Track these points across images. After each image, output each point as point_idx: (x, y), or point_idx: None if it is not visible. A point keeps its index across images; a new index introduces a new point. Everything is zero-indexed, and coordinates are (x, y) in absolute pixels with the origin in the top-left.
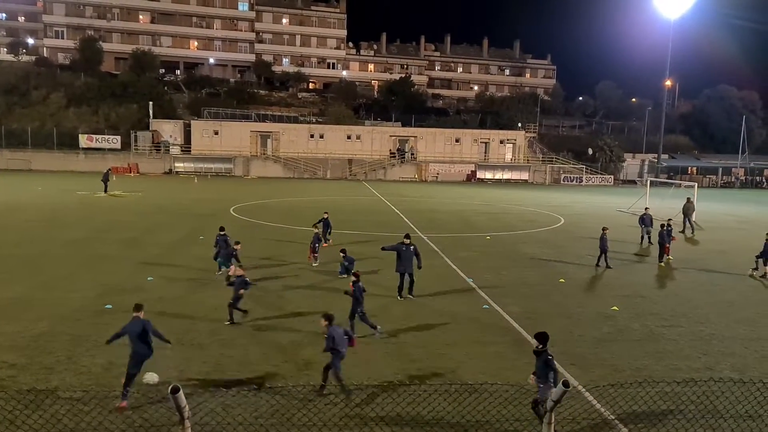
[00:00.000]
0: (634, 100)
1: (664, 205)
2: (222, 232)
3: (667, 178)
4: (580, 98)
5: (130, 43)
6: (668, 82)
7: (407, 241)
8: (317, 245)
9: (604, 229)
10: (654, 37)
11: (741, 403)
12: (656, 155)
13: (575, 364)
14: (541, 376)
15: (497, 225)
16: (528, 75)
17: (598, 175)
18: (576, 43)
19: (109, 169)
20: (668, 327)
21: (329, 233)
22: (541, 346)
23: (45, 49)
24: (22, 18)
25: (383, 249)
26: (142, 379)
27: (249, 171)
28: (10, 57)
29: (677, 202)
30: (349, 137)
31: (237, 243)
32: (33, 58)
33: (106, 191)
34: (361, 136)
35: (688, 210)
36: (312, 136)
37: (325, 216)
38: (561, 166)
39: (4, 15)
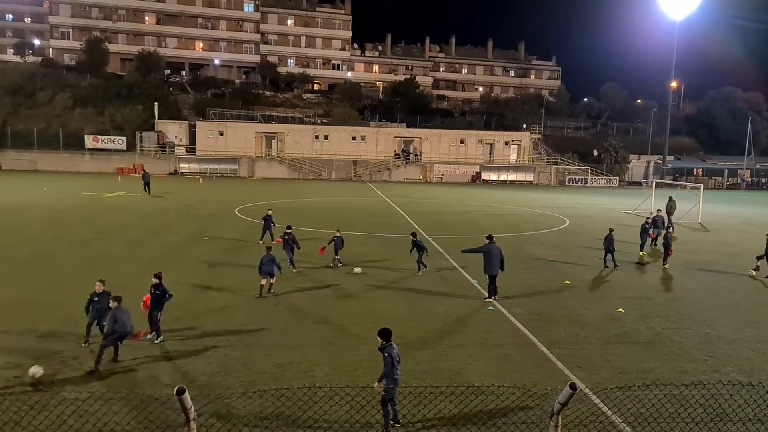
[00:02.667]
0: (639, 101)
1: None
2: (288, 231)
3: (672, 180)
4: (585, 100)
5: (136, 44)
6: (673, 84)
7: (487, 242)
8: (338, 248)
9: (610, 230)
10: (659, 39)
11: (749, 406)
12: (661, 157)
13: (581, 366)
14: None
15: (502, 226)
16: (533, 76)
17: (603, 177)
18: (581, 44)
19: (145, 171)
20: (674, 329)
21: (269, 233)
22: (384, 342)
23: (51, 50)
24: (29, 19)
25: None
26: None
27: (254, 172)
28: (16, 58)
29: (682, 204)
30: (353, 138)
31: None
32: (39, 59)
33: (149, 192)
34: (366, 137)
35: (671, 209)
36: (317, 137)
37: (269, 213)
38: (566, 167)
39: (10, 16)
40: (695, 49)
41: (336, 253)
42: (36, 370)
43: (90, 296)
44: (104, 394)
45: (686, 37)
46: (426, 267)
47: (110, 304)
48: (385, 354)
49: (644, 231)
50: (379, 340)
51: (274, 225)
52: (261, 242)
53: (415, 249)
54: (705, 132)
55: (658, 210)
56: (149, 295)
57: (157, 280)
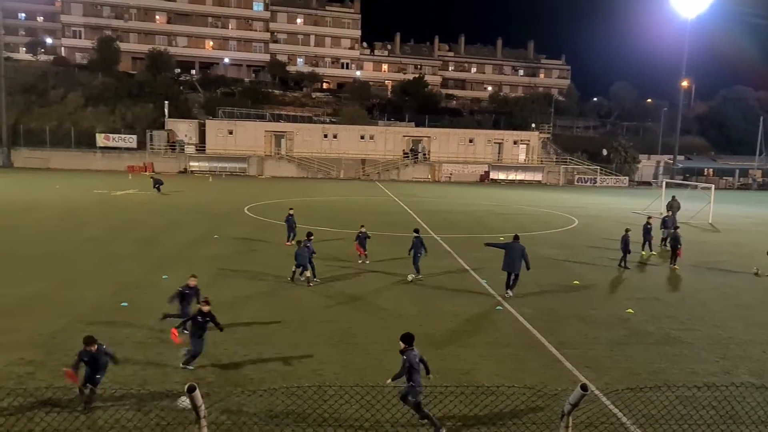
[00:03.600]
0: (649, 100)
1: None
2: (311, 237)
3: (682, 180)
4: (595, 99)
5: (147, 43)
6: (684, 83)
7: (501, 240)
8: (365, 242)
9: (626, 230)
10: (670, 37)
11: (762, 408)
12: (672, 156)
13: (590, 366)
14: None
15: (511, 226)
16: (542, 75)
17: (613, 177)
18: (591, 43)
19: (155, 179)
20: (684, 330)
21: (293, 233)
22: (406, 347)
23: (63, 48)
24: (41, 18)
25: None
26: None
27: (263, 171)
28: (28, 56)
29: (692, 204)
30: (362, 137)
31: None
32: (51, 57)
33: (159, 191)
34: (375, 137)
35: (672, 207)
36: (326, 136)
37: (291, 213)
38: (575, 167)
39: (23, 15)
40: (706, 47)
41: (364, 249)
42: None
43: (181, 289)
44: (116, 391)
45: (697, 35)
46: (419, 275)
47: (90, 348)
48: (404, 357)
49: (646, 231)
50: (401, 344)
51: (296, 225)
52: (288, 243)
53: (413, 249)
54: (716, 131)
55: (669, 211)
56: (175, 329)
57: (207, 307)
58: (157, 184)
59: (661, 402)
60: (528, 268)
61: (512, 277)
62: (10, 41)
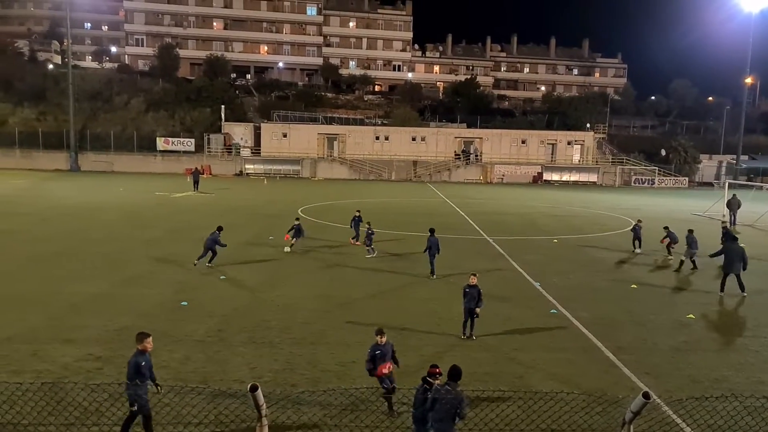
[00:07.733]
0: (710, 99)
1: (744, 208)
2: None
3: (746, 181)
4: (653, 97)
5: (205, 49)
6: (749, 80)
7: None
8: (369, 238)
9: (638, 221)
10: (733, 32)
11: None
12: (734, 156)
13: (649, 373)
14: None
15: (565, 228)
16: (597, 74)
17: (672, 177)
18: (648, 39)
19: (197, 168)
20: (750, 337)
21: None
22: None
23: (126, 56)
24: (106, 27)
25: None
26: None
27: (316, 172)
28: (94, 64)
29: (757, 206)
30: (414, 139)
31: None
32: (115, 65)
33: (196, 189)
34: (426, 138)
35: (732, 205)
36: (377, 138)
37: (358, 214)
38: (632, 167)
39: (89, 24)
40: None
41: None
42: None
43: (464, 288)
44: (182, 388)
45: (762, 29)
46: (434, 275)
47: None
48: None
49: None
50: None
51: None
52: (354, 242)
53: (428, 249)
54: None
55: (728, 208)
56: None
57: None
58: (196, 179)
59: (728, 412)
60: (744, 268)
61: (733, 277)
62: (77, 50)
